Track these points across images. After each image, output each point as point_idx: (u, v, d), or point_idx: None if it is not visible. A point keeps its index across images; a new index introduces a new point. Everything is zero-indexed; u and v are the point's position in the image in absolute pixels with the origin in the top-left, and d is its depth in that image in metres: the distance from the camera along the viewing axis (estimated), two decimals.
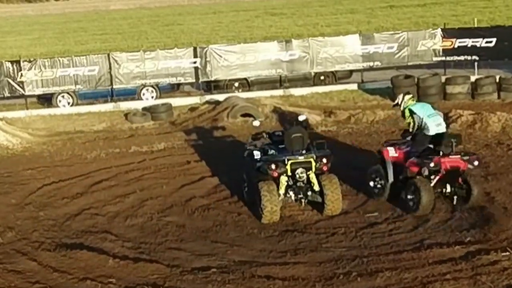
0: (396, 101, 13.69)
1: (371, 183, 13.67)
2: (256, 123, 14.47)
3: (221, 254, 11.49)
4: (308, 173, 12.89)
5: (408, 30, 27.78)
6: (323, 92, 24.62)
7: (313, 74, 25.63)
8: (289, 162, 12.75)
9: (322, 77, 25.85)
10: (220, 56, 24.68)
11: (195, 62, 24.69)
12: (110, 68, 24.30)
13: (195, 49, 24.90)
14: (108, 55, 24.55)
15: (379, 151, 13.84)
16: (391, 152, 13.47)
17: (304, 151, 12.97)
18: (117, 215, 13.71)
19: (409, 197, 12.80)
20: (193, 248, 11.80)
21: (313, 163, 12.84)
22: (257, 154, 13.44)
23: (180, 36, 45.84)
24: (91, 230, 12.92)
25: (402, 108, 13.38)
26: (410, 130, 13.24)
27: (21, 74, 24.03)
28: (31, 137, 20.70)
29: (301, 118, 14.18)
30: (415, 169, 12.89)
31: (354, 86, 25.09)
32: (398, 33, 25.48)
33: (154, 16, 66.43)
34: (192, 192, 14.85)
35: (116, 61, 24.37)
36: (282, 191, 12.90)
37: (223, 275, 10.54)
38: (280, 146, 13.39)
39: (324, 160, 12.96)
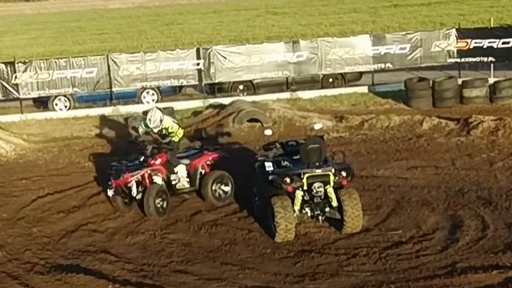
0: (152, 124, 13.86)
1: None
2: (268, 132, 13.46)
3: (232, 278, 10.57)
4: (326, 187, 11.86)
5: (421, 30, 26.65)
6: (332, 95, 23.54)
7: (321, 76, 24.50)
8: (306, 175, 11.74)
9: (330, 80, 24.75)
10: (224, 58, 23.61)
11: (198, 64, 23.63)
12: (109, 70, 23.23)
13: (198, 50, 23.82)
14: (107, 56, 23.48)
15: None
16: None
17: (321, 164, 11.90)
18: (117, 232, 12.82)
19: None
20: (201, 271, 10.88)
21: (332, 177, 11.81)
22: (269, 166, 12.41)
23: (180, 36, 44.79)
24: (88, 249, 12.05)
25: (162, 125, 13.82)
26: (178, 138, 14.02)
27: (16, 76, 22.94)
28: (26, 143, 19.67)
29: (317, 126, 13.15)
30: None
31: (364, 89, 24.02)
32: (411, 33, 24.39)
33: (153, 15, 65.48)
34: (198, 205, 13.94)
35: (115, 62, 23.29)
36: (297, 207, 11.89)
37: None
38: (295, 158, 12.34)
39: (344, 174, 11.93)
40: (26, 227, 13.02)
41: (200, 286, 10.34)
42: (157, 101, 23.85)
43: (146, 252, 11.74)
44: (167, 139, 13.85)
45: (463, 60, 23.93)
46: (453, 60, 24.02)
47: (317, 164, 11.90)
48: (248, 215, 13.05)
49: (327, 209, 11.97)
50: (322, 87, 24.46)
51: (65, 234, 12.65)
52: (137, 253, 11.70)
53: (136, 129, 14.63)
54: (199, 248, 11.75)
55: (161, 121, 13.77)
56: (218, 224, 12.78)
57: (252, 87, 24.44)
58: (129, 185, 13.35)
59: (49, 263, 11.32)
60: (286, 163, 12.40)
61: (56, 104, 23.80)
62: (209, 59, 23.55)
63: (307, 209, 11.98)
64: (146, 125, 13.98)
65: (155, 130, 13.86)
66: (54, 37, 49.66)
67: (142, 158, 13.69)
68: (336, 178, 11.84)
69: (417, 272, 10.32)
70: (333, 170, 11.84)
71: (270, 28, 46.29)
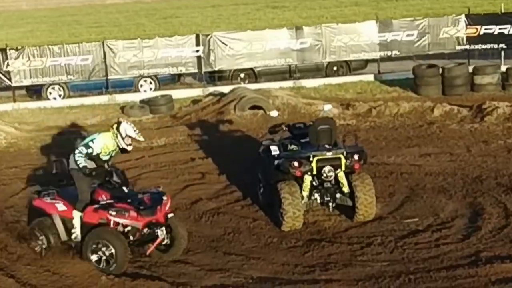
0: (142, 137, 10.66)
1: None
2: (274, 113, 12.67)
3: (236, 268, 9.81)
4: (336, 172, 11.01)
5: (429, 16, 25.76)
6: (336, 83, 22.67)
7: (325, 64, 23.61)
8: (315, 159, 10.93)
9: (335, 68, 23.85)
10: (225, 45, 22.72)
11: (197, 51, 22.73)
12: (104, 57, 22.31)
13: (197, 36, 22.90)
14: (103, 43, 22.57)
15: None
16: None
17: (332, 146, 11.07)
18: None
19: None
20: (202, 261, 10.12)
21: (343, 160, 10.98)
22: (275, 150, 11.63)
23: (179, 28, 43.86)
24: None
25: None
26: None
27: (8, 63, 22.03)
28: (18, 132, 18.88)
29: (326, 107, 12.32)
30: None
31: (370, 77, 23.15)
32: (419, 20, 23.50)
33: (151, 9, 64.75)
34: (198, 193, 13.14)
35: (111, 49, 22.38)
36: (306, 193, 11.13)
37: None
38: (303, 140, 11.51)
39: (356, 157, 11.08)
40: (15, 216, 12.27)
41: (201, 277, 9.58)
42: (154, 90, 22.95)
43: None
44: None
45: (472, 47, 23.05)
46: (462, 47, 23.13)
47: (327, 146, 11.07)
48: (252, 203, 12.31)
49: (338, 195, 11.25)
50: (326, 76, 23.59)
51: None
52: None
53: (61, 162, 10.86)
54: (200, 238, 11.03)
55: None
56: (220, 213, 12.06)
57: (253, 75, 23.56)
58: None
59: (38, 253, 10.46)
60: (293, 146, 11.58)
61: (50, 93, 22.89)
62: (209, 46, 22.67)
63: (316, 196, 11.25)
64: (91, 152, 10.20)
65: (129, 149, 10.46)
66: (49, 30, 48.83)
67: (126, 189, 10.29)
68: (348, 161, 11.06)
69: (438, 262, 9.59)
70: (344, 153, 11.01)
71: (271, 21, 45.40)
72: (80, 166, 10.07)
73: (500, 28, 22.54)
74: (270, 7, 57.41)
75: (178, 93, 22.17)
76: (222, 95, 20.76)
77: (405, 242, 10.29)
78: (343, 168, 11.02)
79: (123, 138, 10.21)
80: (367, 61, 24.03)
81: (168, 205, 10.14)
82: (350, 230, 10.95)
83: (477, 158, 13.95)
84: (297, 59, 23.12)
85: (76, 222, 10.17)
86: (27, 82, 22.45)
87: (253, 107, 18.70)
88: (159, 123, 19.28)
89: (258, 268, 9.76)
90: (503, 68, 20.94)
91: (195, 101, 21.32)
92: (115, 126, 10.28)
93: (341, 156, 10.98)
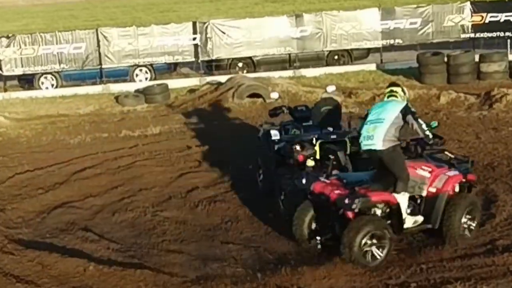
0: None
1: None
2: (274, 95, 12.00)
3: (234, 258, 9.15)
4: None
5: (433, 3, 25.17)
6: (337, 73, 22.12)
7: (326, 53, 22.96)
8: (318, 142, 10.28)
9: (336, 57, 23.20)
10: (223, 33, 22.08)
11: (194, 39, 22.10)
12: (98, 45, 21.76)
13: (194, 24, 22.30)
14: (97, 30, 21.92)
15: None
16: None
17: (336, 129, 10.43)
18: (102, 209, 11.37)
19: None
20: (197, 251, 9.47)
21: (348, 144, 10.29)
22: (275, 134, 11.05)
23: (176, 22, 43.26)
24: (68, 228, 10.65)
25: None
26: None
27: None
28: (7, 120, 18.29)
29: (330, 89, 11.66)
30: None
31: (372, 67, 22.56)
32: (422, 7, 22.86)
33: (148, 4, 64.39)
34: (194, 181, 12.51)
35: (105, 37, 21.79)
36: None
37: (237, 287, 8.25)
38: (305, 124, 10.90)
39: None
40: (0, 205, 11.59)
41: (197, 267, 8.90)
42: (150, 80, 22.33)
43: (135, 230, 10.36)
44: None
45: (478, 35, 22.44)
46: (467, 36, 22.57)
47: (331, 129, 10.42)
48: (251, 190, 11.60)
49: None
50: (327, 65, 22.96)
51: (43, 212, 11.28)
52: (125, 232, 10.32)
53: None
54: (196, 226, 10.39)
55: None
56: (217, 201, 11.40)
57: (252, 64, 22.97)
58: None
59: (22, 243, 9.89)
60: (295, 130, 10.95)
61: (43, 83, 22.32)
62: (206, 34, 22.09)
63: None
64: None
65: None
66: (45, 24, 48.34)
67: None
68: (353, 145, 10.34)
69: (451, 251, 8.89)
70: (349, 136, 10.36)
71: (270, 14, 44.73)
72: (431, 137, 8.86)
73: (506, 16, 22.04)
74: (269, 1, 56.90)
75: (174, 83, 21.63)
76: (220, 84, 20.15)
77: (413, 230, 9.63)
78: (348, 152, 10.38)
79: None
80: (369, 50, 23.42)
81: None
82: None
83: (487, 145, 13.35)
84: (297, 47, 22.54)
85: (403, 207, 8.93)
86: (18, 71, 21.92)
87: (252, 95, 18.08)
88: (154, 112, 18.73)
89: (257, 258, 9.12)
90: (511, 57, 20.33)
91: (191, 90, 20.73)
92: (399, 89, 9.02)
93: (346, 139, 10.35)
